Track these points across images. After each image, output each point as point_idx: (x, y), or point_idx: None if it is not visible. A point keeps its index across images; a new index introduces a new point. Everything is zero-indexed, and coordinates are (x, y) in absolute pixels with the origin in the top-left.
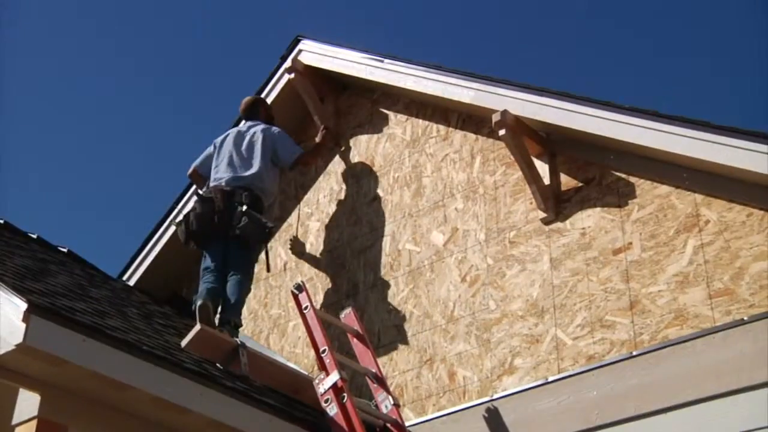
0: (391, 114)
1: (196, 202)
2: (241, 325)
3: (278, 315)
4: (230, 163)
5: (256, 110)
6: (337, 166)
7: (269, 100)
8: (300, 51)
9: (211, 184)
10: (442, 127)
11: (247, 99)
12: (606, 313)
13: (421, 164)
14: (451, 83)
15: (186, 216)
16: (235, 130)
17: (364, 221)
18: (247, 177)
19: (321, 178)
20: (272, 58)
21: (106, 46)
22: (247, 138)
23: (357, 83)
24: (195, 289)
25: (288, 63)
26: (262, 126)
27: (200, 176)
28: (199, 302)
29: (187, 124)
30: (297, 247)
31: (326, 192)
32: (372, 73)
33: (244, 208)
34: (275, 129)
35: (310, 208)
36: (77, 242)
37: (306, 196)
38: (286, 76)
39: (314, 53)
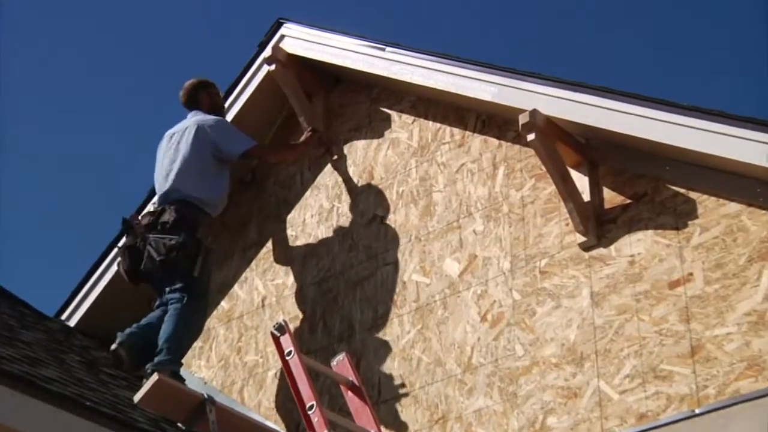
0: (394, 114)
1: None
2: (177, 371)
3: (255, 363)
4: (165, 174)
5: (196, 98)
6: (327, 178)
7: (244, 97)
8: (282, 37)
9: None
10: (457, 131)
11: (186, 84)
12: (661, 360)
13: (431, 176)
14: (468, 77)
15: (119, 249)
16: (172, 130)
17: (361, 246)
18: (175, 187)
19: (308, 193)
20: (249, 46)
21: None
22: (179, 136)
23: (352, 77)
24: None
25: (267, 51)
26: (197, 117)
27: None
28: (112, 347)
29: (147, 128)
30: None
31: (314, 210)
32: (371, 65)
33: (152, 235)
34: (211, 118)
35: (295, 230)
36: (5, 274)
37: (290, 216)
38: (265, 68)
39: (300, 39)
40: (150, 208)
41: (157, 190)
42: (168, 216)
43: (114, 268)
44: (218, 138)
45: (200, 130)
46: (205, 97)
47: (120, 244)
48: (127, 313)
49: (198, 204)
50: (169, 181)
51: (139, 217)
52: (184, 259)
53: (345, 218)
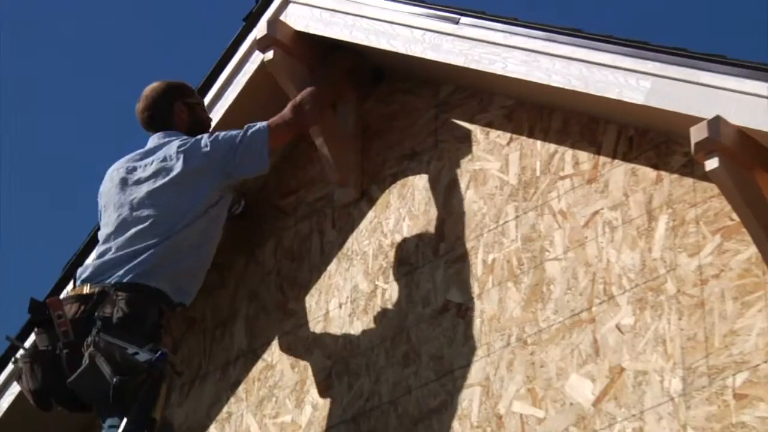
0: (476, 130)
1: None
2: None
3: None
4: (115, 233)
5: (167, 112)
6: (365, 240)
7: (223, 106)
8: (285, 3)
9: (77, 281)
10: (584, 156)
11: (147, 92)
12: None
13: (542, 234)
14: (602, 64)
15: (26, 358)
16: (123, 160)
17: (426, 356)
18: (132, 259)
19: (333, 266)
20: (230, 21)
21: None
22: (149, 171)
23: (405, 69)
24: None
25: (260, 29)
26: (174, 141)
27: None
28: None
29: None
30: None
31: (344, 295)
32: (437, 48)
33: (95, 333)
34: (200, 141)
35: (313, 328)
36: None
37: (303, 305)
38: (258, 57)
39: (313, 7)
40: (80, 287)
41: (94, 255)
42: (112, 307)
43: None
44: (230, 163)
45: (191, 162)
46: (181, 110)
47: (20, 350)
48: None
49: (167, 292)
50: (119, 248)
51: (61, 303)
52: (143, 387)
53: (397, 308)
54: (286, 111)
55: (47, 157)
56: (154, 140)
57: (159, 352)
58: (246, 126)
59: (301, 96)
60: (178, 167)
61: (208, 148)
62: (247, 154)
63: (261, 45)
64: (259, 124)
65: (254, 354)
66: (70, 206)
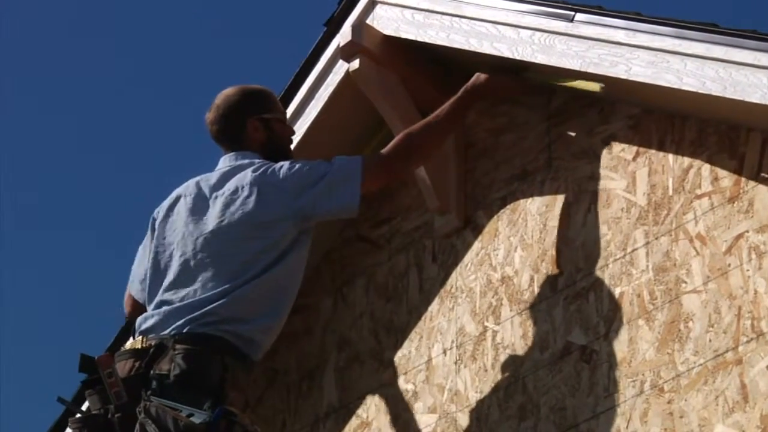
0: (597, 144)
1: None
2: None
3: None
4: (174, 276)
5: (237, 129)
6: (470, 274)
7: (303, 124)
8: (372, 4)
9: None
10: (724, 173)
11: (219, 101)
12: None
13: (677, 262)
14: (743, 63)
15: (75, 423)
16: (192, 185)
17: (545, 408)
18: (194, 304)
19: (435, 305)
20: (310, 26)
21: None
22: (218, 205)
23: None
24: None
25: (345, 35)
26: (252, 168)
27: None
28: None
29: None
30: None
31: (449, 339)
32: (548, 49)
33: (146, 396)
34: (283, 169)
35: (412, 380)
36: None
37: (399, 353)
38: (341, 67)
39: (404, 7)
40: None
41: (150, 301)
42: (169, 363)
43: None
44: (311, 200)
45: (266, 198)
46: (255, 128)
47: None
48: None
49: (233, 341)
50: (182, 296)
51: (113, 360)
52: None
53: (510, 353)
54: (395, 145)
55: None
56: (225, 161)
57: (217, 409)
58: (335, 157)
59: (411, 132)
60: (250, 203)
61: (287, 182)
62: (333, 189)
63: (345, 53)
64: (353, 157)
65: (346, 410)
66: None
